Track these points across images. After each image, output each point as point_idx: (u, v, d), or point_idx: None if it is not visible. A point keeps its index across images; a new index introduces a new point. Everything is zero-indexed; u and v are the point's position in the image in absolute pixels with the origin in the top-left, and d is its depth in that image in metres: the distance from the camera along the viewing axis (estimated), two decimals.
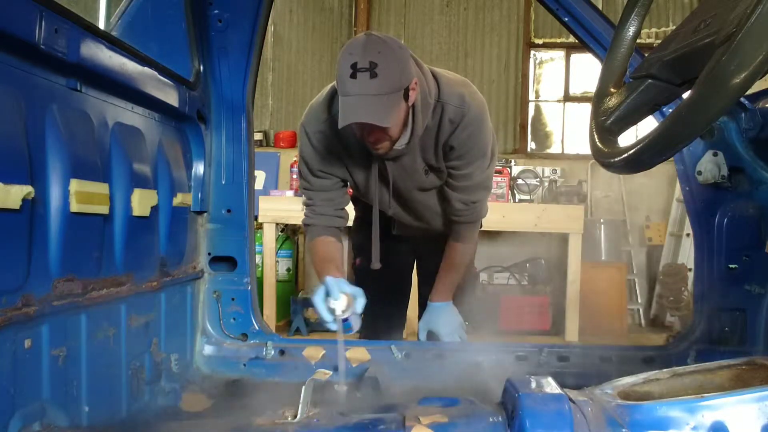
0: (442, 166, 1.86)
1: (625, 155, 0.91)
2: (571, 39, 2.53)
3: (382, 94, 1.52)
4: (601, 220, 5.62)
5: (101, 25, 4.84)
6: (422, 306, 2.32)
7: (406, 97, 1.60)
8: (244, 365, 1.98)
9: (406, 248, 2.26)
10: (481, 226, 2.11)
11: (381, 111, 1.53)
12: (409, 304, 2.42)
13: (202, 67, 1.95)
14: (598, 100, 1.08)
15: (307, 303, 5.07)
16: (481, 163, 1.87)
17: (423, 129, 1.74)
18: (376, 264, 1.92)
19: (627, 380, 1.05)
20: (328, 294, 1.65)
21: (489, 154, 1.89)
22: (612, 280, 5.43)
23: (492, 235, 4.97)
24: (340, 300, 1.61)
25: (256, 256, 2.59)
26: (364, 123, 1.56)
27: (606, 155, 0.97)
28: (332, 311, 1.62)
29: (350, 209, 2.22)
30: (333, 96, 1.78)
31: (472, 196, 1.91)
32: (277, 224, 4.93)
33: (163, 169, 1.71)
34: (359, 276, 2.29)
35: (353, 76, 1.51)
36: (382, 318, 2.25)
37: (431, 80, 1.75)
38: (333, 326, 1.65)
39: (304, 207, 1.96)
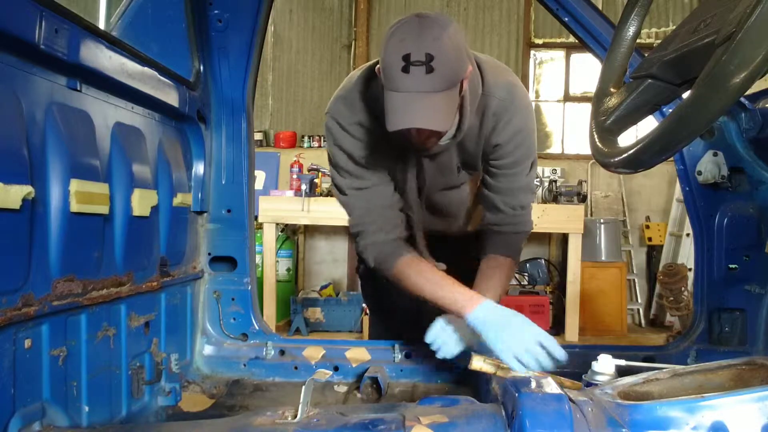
0: (479, 164, 1.66)
1: (625, 155, 0.91)
2: (571, 39, 2.53)
3: (440, 91, 1.30)
4: (601, 220, 5.62)
5: (101, 25, 4.84)
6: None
7: (461, 88, 1.39)
8: (244, 365, 1.98)
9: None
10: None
11: (439, 112, 1.32)
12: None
13: (202, 67, 1.95)
14: (598, 100, 1.08)
15: (308, 303, 5.08)
16: (528, 164, 1.64)
17: (470, 122, 1.53)
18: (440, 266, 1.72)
19: (627, 380, 1.05)
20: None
21: (534, 157, 1.67)
22: (612, 280, 5.44)
23: None
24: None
25: (256, 256, 2.59)
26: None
27: (606, 155, 0.97)
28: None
29: None
30: (366, 82, 1.57)
31: (519, 200, 1.65)
32: (277, 224, 4.93)
33: (163, 169, 1.71)
34: (364, 281, 2.21)
35: (405, 69, 1.27)
36: (391, 325, 2.18)
37: (476, 68, 1.53)
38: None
39: (355, 228, 1.65)
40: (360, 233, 1.65)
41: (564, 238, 5.66)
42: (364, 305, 4.56)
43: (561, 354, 1.36)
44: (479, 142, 1.61)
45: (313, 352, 1.97)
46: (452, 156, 1.63)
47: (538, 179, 5.39)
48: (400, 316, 2.21)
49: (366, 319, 4.91)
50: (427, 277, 1.58)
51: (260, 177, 5.70)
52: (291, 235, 5.76)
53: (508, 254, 1.69)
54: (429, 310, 2.25)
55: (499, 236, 1.69)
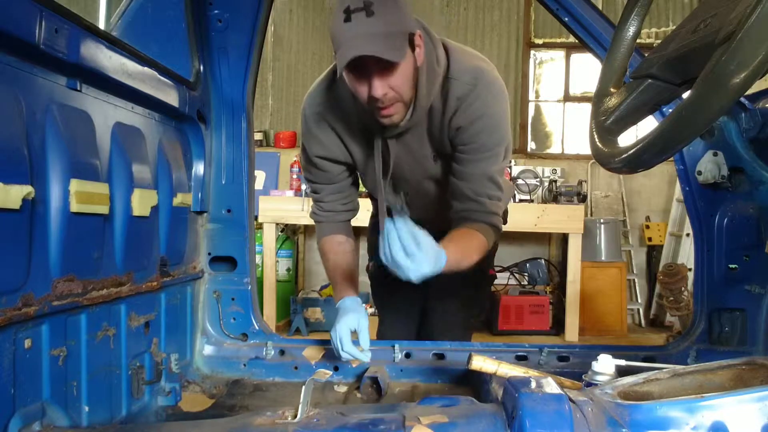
0: (449, 151, 1.65)
1: (625, 155, 0.91)
2: (571, 39, 2.53)
3: (385, 32, 1.32)
4: (601, 220, 5.62)
5: (101, 25, 4.85)
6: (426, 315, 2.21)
7: (413, 47, 1.41)
8: (244, 365, 1.98)
9: None
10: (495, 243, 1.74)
11: (386, 45, 1.32)
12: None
13: (202, 67, 1.95)
14: (598, 100, 1.08)
15: (308, 303, 5.08)
16: (495, 152, 1.60)
17: (429, 101, 1.55)
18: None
19: (627, 380, 1.05)
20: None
21: (504, 145, 1.63)
22: (612, 280, 5.44)
23: None
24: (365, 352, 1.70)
25: (256, 256, 2.59)
26: (369, 70, 1.36)
27: (606, 155, 0.97)
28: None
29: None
30: (332, 76, 1.64)
31: (487, 189, 1.62)
32: (277, 224, 4.93)
33: (163, 169, 1.71)
34: (372, 280, 2.22)
35: (347, 19, 1.32)
36: (397, 325, 2.18)
37: (441, 50, 1.55)
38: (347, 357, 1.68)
39: (312, 201, 1.87)
40: (316, 201, 1.86)
41: (564, 238, 5.66)
42: (365, 305, 4.56)
43: (365, 342, 1.67)
44: (443, 127, 1.60)
45: (313, 352, 1.98)
46: (422, 141, 1.65)
47: (538, 179, 5.39)
48: (409, 316, 2.21)
49: None
50: (329, 264, 1.83)
51: (260, 177, 5.71)
52: (291, 235, 5.76)
53: (477, 229, 1.62)
54: (436, 309, 2.24)
55: (468, 221, 1.64)
